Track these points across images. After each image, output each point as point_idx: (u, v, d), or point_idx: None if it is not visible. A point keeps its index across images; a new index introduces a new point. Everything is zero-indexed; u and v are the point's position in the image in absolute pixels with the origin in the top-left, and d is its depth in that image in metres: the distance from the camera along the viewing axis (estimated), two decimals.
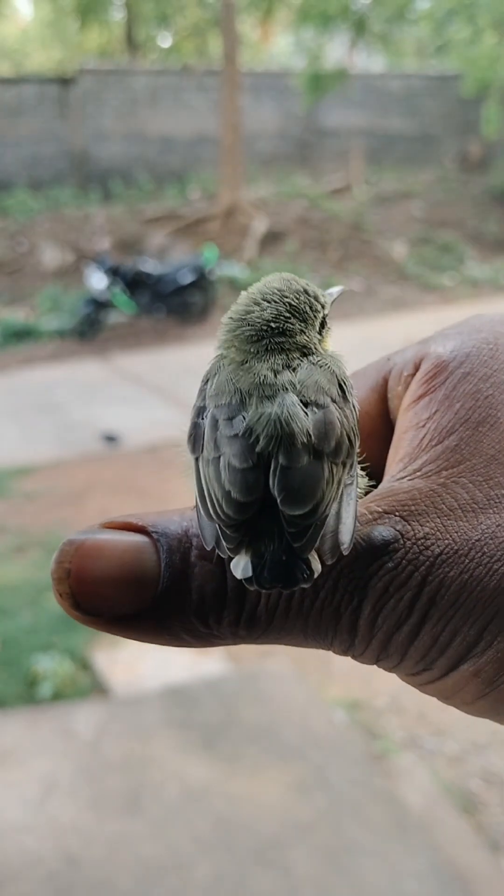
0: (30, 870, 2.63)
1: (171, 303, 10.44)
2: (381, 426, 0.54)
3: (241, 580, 0.41)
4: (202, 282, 10.53)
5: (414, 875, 2.61)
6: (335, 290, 0.55)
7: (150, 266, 10.79)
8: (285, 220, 13.93)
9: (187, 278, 10.43)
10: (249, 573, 0.40)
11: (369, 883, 2.59)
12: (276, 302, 0.48)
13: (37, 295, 11.66)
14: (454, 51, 15.24)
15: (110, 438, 6.70)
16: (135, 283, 10.45)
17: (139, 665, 3.70)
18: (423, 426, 0.48)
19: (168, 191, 15.05)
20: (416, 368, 0.52)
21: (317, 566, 0.41)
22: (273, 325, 0.47)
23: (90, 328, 10.33)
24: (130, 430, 6.86)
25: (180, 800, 2.90)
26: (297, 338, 0.47)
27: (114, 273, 10.32)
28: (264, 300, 0.49)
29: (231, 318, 0.49)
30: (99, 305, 10.33)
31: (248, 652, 3.73)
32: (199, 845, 2.71)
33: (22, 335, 10.45)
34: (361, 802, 2.90)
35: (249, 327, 0.48)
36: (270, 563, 0.40)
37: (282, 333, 0.47)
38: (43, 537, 4.78)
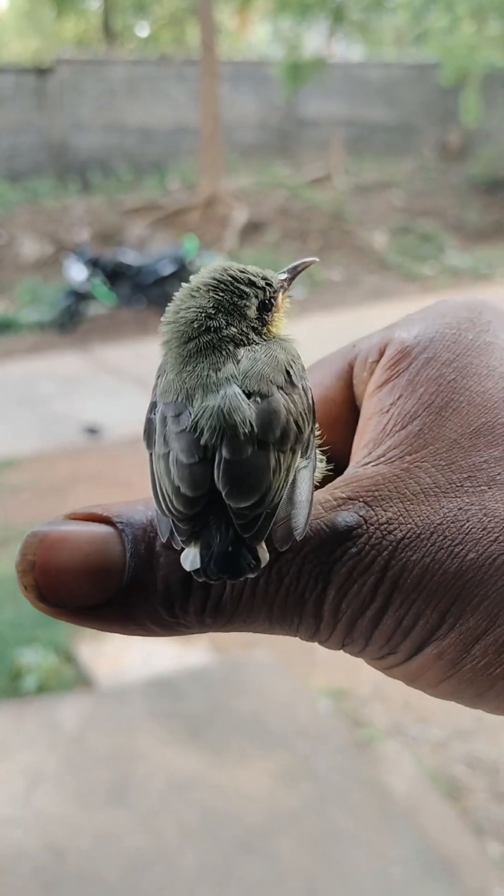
0: (16, 863, 2.62)
1: (151, 294, 10.39)
2: (346, 412, 0.55)
3: (190, 571, 0.41)
4: (183, 273, 10.48)
5: (399, 861, 2.63)
6: (298, 263, 0.54)
7: (130, 257, 10.74)
8: (265, 210, 13.90)
9: (168, 269, 10.39)
10: (197, 565, 0.40)
11: (355, 870, 2.60)
12: (199, 298, 0.48)
13: (16, 287, 11.59)
14: (433, 39, 15.21)
15: (92, 431, 6.68)
16: (115, 274, 10.40)
17: (123, 657, 3.70)
18: (387, 412, 0.49)
19: (147, 181, 14.97)
20: (381, 354, 0.52)
21: (264, 556, 0.41)
22: (196, 324, 0.47)
23: (70, 320, 10.28)
24: (112, 423, 6.83)
25: (166, 791, 2.91)
26: (226, 332, 0.47)
27: (93, 264, 10.27)
28: (191, 297, 0.48)
29: (166, 318, 0.48)
30: (79, 297, 10.28)
31: (233, 642, 3.74)
32: (186, 836, 2.71)
33: (2, 328, 10.39)
34: (347, 790, 2.92)
35: (179, 327, 0.47)
36: (217, 554, 0.40)
37: (207, 331, 0.46)
38: (25, 531, 4.73)
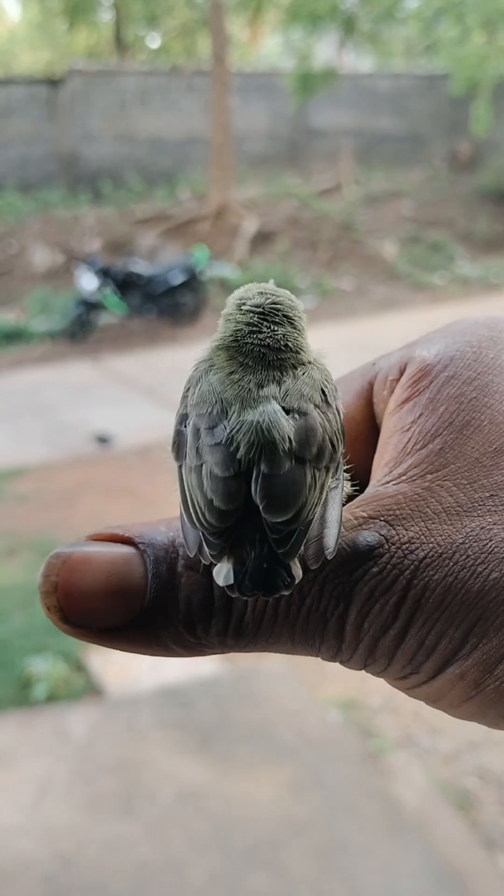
0: (24, 872, 2.62)
1: (161, 304, 10.42)
2: (366, 431, 0.54)
3: (223, 587, 0.41)
4: (193, 282, 10.52)
5: (409, 874, 2.61)
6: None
7: (140, 267, 10.78)
8: (275, 220, 13.93)
9: (178, 279, 10.42)
10: (231, 580, 0.40)
11: (364, 882, 2.59)
12: (281, 325, 0.48)
13: (27, 297, 11.64)
14: (443, 50, 15.27)
15: (102, 440, 6.69)
16: (125, 284, 10.43)
17: (133, 666, 3.70)
18: (408, 430, 0.48)
19: (158, 191, 15.04)
20: (401, 373, 0.52)
21: (298, 572, 0.41)
22: (283, 343, 0.47)
23: (81, 329, 10.31)
24: (122, 432, 6.85)
25: (175, 801, 2.90)
26: (300, 356, 0.47)
27: (104, 274, 10.31)
28: (266, 320, 0.48)
29: (230, 335, 0.48)
30: (89, 307, 10.31)
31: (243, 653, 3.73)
32: (194, 846, 2.70)
33: (12, 337, 10.43)
34: (356, 802, 2.90)
35: (254, 342, 0.47)
36: (252, 570, 0.40)
37: (284, 350, 0.47)
38: (34, 539, 4.77)
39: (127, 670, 3.68)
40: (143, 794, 2.94)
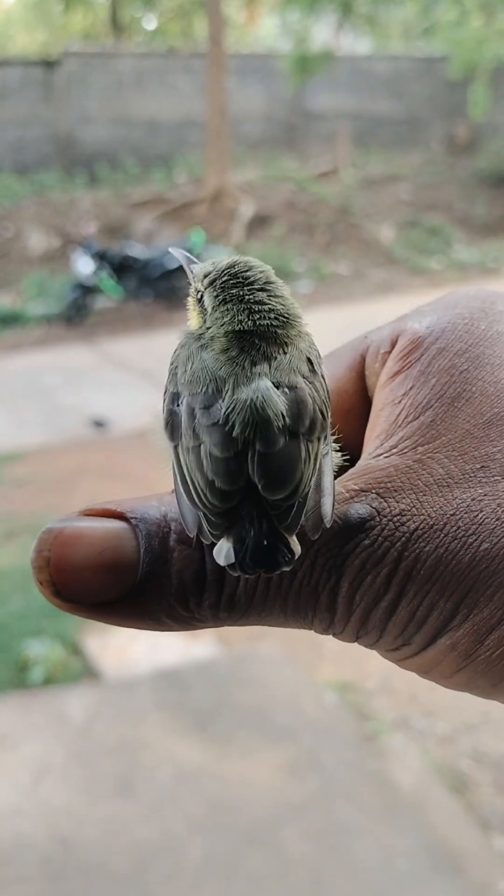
0: (23, 853, 2.64)
1: (158, 287, 10.39)
2: (359, 404, 0.54)
3: (224, 566, 0.41)
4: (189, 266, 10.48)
5: (405, 854, 2.63)
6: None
7: (136, 250, 10.74)
8: (272, 203, 13.87)
9: (174, 263, 10.35)
10: (232, 559, 0.40)
11: (361, 863, 2.61)
12: (275, 300, 0.48)
13: (23, 280, 11.59)
14: (441, 33, 15.20)
15: (98, 424, 6.69)
16: (122, 267, 10.40)
17: (130, 649, 3.71)
18: (399, 402, 0.49)
19: (154, 174, 14.96)
20: (393, 345, 0.52)
21: (297, 548, 0.41)
22: (272, 316, 0.47)
23: (77, 313, 10.28)
24: (118, 416, 6.84)
25: (173, 782, 2.92)
26: (287, 328, 0.47)
27: (100, 258, 10.27)
28: (259, 302, 0.47)
29: (223, 309, 0.47)
30: (86, 290, 10.28)
31: (239, 635, 3.75)
32: (192, 827, 2.72)
33: (8, 321, 10.40)
34: (353, 783, 2.92)
35: (253, 320, 0.46)
36: (252, 548, 0.40)
37: (273, 324, 0.46)
38: (32, 523, 4.77)
39: (124, 653, 3.69)
40: (140, 776, 2.96)
